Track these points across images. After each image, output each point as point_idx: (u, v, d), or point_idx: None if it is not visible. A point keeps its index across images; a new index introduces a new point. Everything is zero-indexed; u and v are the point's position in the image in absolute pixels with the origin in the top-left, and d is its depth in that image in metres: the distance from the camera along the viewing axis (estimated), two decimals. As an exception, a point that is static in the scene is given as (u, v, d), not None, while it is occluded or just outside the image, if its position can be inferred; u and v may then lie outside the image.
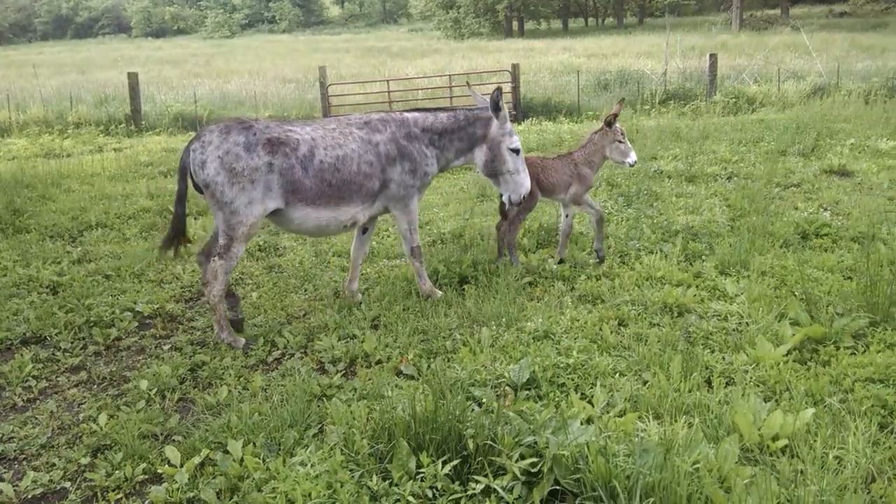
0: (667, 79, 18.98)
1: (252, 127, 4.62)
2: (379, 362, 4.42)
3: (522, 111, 16.92)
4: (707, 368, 4.05)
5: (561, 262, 5.96)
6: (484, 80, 20.72)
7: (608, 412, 3.52)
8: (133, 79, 16.75)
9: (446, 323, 4.85)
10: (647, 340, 4.40)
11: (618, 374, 3.97)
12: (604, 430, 3.26)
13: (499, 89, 5.29)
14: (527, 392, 3.79)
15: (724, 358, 4.19)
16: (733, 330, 4.58)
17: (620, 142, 5.85)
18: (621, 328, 4.71)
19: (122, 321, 5.21)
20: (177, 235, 4.94)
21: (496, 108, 5.28)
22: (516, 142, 5.38)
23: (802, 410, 3.31)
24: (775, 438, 3.21)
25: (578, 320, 4.74)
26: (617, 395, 3.66)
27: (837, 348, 4.21)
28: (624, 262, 6.06)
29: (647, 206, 7.94)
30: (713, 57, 18.18)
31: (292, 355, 4.63)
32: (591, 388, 3.80)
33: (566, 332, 4.54)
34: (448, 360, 4.33)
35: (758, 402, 3.47)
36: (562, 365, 4.00)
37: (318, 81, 17.38)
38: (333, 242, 7.01)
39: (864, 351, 4.15)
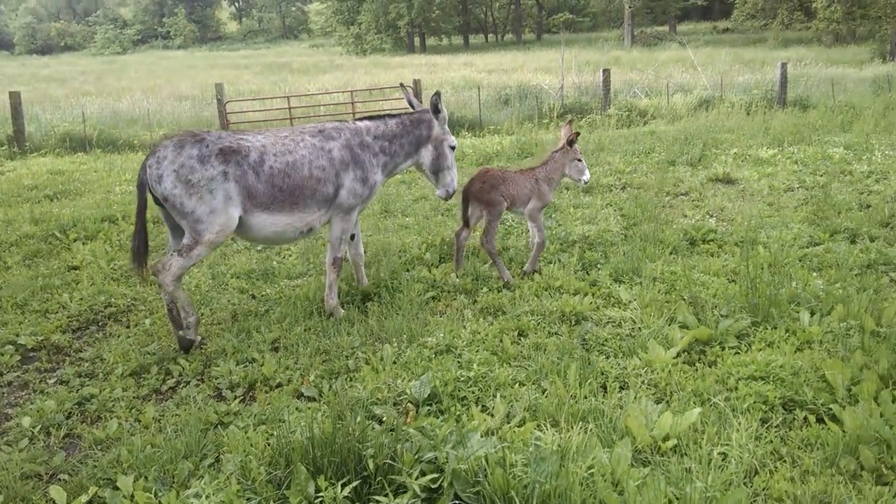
0: (564, 93, 19.56)
1: (205, 139, 4.74)
2: (279, 385, 4.33)
3: (425, 126, 17.07)
4: (602, 374, 4.18)
5: (535, 272, 6.04)
6: (387, 95, 20.78)
7: (508, 423, 3.57)
8: (15, 98, 15.84)
9: (349, 342, 4.81)
10: (545, 349, 4.50)
11: (517, 385, 4.04)
12: (503, 440, 3.30)
13: (437, 94, 5.68)
14: (428, 407, 3.80)
15: (618, 363, 4.33)
16: (627, 335, 4.74)
17: (579, 160, 6.13)
18: (521, 338, 4.79)
19: (2, 355, 4.90)
20: (140, 248, 4.91)
21: (436, 110, 5.66)
22: (453, 140, 5.85)
23: (689, 410, 3.46)
24: (666, 439, 3.34)
25: (480, 333, 4.79)
26: (516, 406, 3.72)
27: (723, 349, 4.42)
28: (525, 273, 6.18)
29: (547, 217, 8.13)
30: (606, 72, 18.88)
31: (188, 383, 4.47)
32: (492, 399, 3.85)
33: (468, 346, 4.58)
34: (350, 380, 4.29)
35: (649, 404, 3.61)
36: (463, 378, 4.03)
37: (216, 98, 16.96)
38: (232, 264, 6.84)
39: (747, 350, 4.38)
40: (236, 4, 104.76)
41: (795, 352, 4.28)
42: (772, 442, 3.37)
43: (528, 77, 26.22)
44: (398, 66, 39.28)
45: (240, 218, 4.83)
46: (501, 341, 4.62)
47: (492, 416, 3.63)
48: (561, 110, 17.96)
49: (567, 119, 6.57)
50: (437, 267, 6.35)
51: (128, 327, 5.50)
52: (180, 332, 4.88)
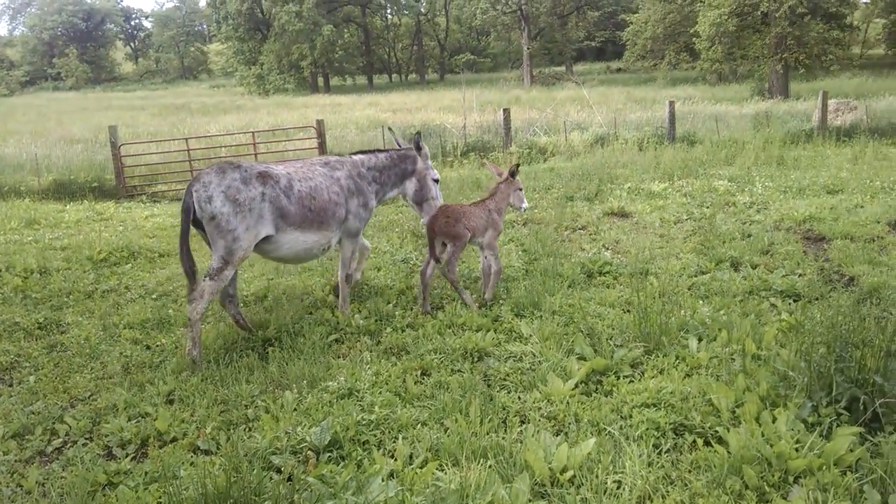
0: (466, 132, 19.96)
1: (242, 165, 5.37)
2: (174, 440, 4.17)
3: (329, 166, 17.03)
4: (504, 409, 4.23)
5: (483, 305, 6.22)
6: (290, 135, 20.62)
7: (410, 464, 3.56)
8: None
9: (248, 390, 4.69)
10: (448, 387, 4.52)
11: (420, 425, 4.04)
12: (404, 483, 3.29)
13: (419, 133, 6.57)
14: (329, 454, 3.74)
15: (519, 397, 4.40)
16: (527, 369, 4.83)
17: (520, 189, 6.63)
18: (425, 377, 4.80)
19: None
20: (191, 270, 5.32)
21: (418, 147, 6.47)
22: (436, 173, 6.56)
23: (585, 441, 3.56)
24: (563, 470, 3.41)
25: (382, 374, 4.77)
26: (419, 446, 3.72)
27: (618, 378, 4.57)
28: (428, 312, 6.21)
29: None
30: (507, 111, 19.40)
31: (75, 442, 4.24)
32: (394, 441, 3.83)
33: (370, 388, 4.54)
34: (249, 430, 4.18)
35: (548, 437, 3.68)
36: (365, 422, 4.00)
37: (110, 141, 16.37)
38: (125, 314, 6.56)
39: (640, 378, 4.55)
40: (132, 44, 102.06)
41: (684, 378, 4.48)
42: (663, 467, 3.50)
43: (432, 116, 26.64)
44: (302, 106, 39.12)
45: (272, 237, 5.42)
46: (404, 381, 4.62)
47: (394, 458, 3.61)
48: (464, 149, 18.30)
49: (485, 160, 6.98)
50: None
51: (10, 385, 5.17)
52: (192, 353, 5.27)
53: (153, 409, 4.52)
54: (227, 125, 25.52)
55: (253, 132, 17.63)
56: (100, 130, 23.79)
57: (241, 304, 6.61)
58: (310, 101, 44.75)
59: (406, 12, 76.00)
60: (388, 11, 77.32)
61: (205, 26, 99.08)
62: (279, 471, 3.55)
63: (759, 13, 36.13)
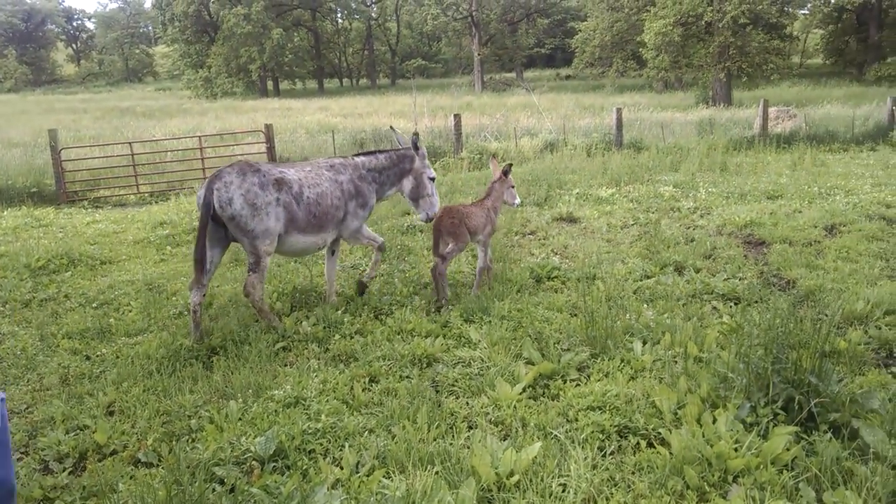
0: (417, 137, 19.98)
1: (260, 169, 5.71)
2: (114, 453, 4.05)
3: (279, 171, 16.84)
4: (452, 415, 4.24)
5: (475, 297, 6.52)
6: (238, 140, 20.35)
7: (357, 473, 3.53)
8: None
9: (192, 400, 4.59)
10: (396, 394, 4.51)
11: (368, 432, 4.01)
12: (350, 492, 3.26)
13: (416, 134, 6.85)
14: (274, 464, 3.69)
15: (467, 403, 4.41)
16: (476, 374, 4.85)
17: (512, 187, 7.05)
18: (373, 385, 4.77)
19: None
20: (202, 259, 5.59)
21: (415, 147, 6.76)
22: (432, 172, 6.86)
23: (531, 445, 3.58)
24: (510, 475, 3.42)
25: (330, 382, 4.73)
26: (366, 454, 3.69)
27: (564, 381, 4.62)
28: (377, 318, 6.19)
29: (401, 260, 8.21)
30: (457, 117, 19.48)
31: (9, 457, 4.08)
32: (341, 450, 3.80)
33: (317, 396, 4.50)
34: (192, 441, 4.09)
35: (494, 442, 3.69)
36: (311, 430, 3.95)
37: (50, 145, 15.89)
38: (64, 323, 6.37)
39: (586, 381, 4.61)
40: (74, 46, 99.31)
41: (629, 380, 4.55)
42: (608, 469, 3.55)
43: (383, 121, 26.57)
44: (251, 110, 38.62)
45: (279, 236, 5.79)
46: (352, 389, 4.58)
47: (340, 467, 3.58)
48: (415, 154, 18.32)
49: (492, 155, 7.54)
50: (287, 316, 6.22)
51: (-61, 400, 4.96)
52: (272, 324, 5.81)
53: (92, 421, 4.39)
54: (174, 129, 25.04)
55: (200, 136, 17.36)
56: (40, 134, 23.09)
57: (186, 313, 6.49)
58: (259, 104, 44.19)
59: (357, 17, 75.72)
60: (339, 16, 76.93)
61: (150, 28, 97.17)
62: (222, 482, 3.49)
63: (702, 23, 37.09)
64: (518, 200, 7.14)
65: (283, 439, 3.82)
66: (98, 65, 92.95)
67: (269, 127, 16.98)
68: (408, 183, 6.80)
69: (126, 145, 16.87)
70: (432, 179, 6.87)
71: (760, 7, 35.26)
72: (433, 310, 6.30)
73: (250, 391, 4.61)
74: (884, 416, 3.81)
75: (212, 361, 5.29)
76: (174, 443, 4.07)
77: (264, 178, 5.64)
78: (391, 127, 7.49)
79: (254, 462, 3.70)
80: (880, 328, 5.44)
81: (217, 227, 5.68)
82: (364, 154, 6.69)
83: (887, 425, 3.74)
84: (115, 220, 12.01)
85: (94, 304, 6.98)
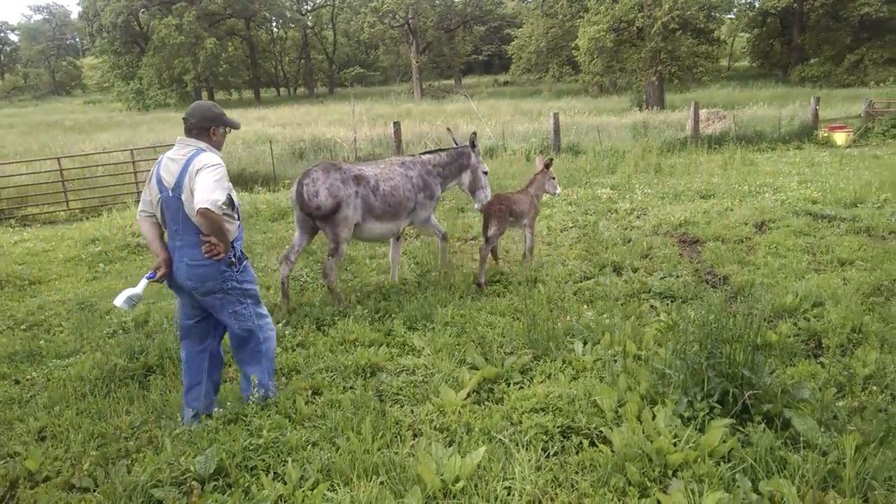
0: (357, 146, 19.88)
1: (342, 167, 6.56)
2: (47, 479, 3.89)
3: (216, 183, 16.47)
4: (397, 423, 4.21)
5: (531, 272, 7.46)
6: (173, 153, 19.87)
7: (301, 487, 3.48)
8: None
9: (128, 421, 4.45)
10: (340, 405, 4.46)
11: (311, 446, 3.95)
12: (294, 507, 3.21)
13: (475, 133, 7.65)
14: (215, 483, 3.60)
15: (411, 411, 4.40)
16: (420, 382, 4.84)
17: (553, 178, 8.01)
18: (316, 397, 4.71)
19: None
20: (299, 246, 6.70)
21: (473, 145, 7.56)
22: (485, 167, 7.68)
23: (476, 450, 3.59)
24: (456, 481, 3.42)
25: (271, 396, 4.64)
26: (309, 468, 3.64)
27: (508, 385, 4.65)
28: (319, 329, 6.12)
29: (342, 270, 8.14)
30: (397, 124, 19.45)
31: (-68, 491, 3.89)
32: (284, 465, 3.73)
33: (259, 411, 4.40)
34: (130, 463, 3.96)
35: (439, 448, 3.69)
36: (252, 447, 3.87)
37: (-28, 162, 15.30)
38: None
39: (530, 384, 4.64)
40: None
41: (571, 381, 4.60)
42: (552, 470, 3.58)
43: (323, 130, 26.39)
44: (186, 121, 37.76)
45: (358, 224, 6.62)
46: (294, 402, 4.51)
47: (284, 482, 3.52)
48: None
49: (538, 153, 7.85)
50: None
51: None
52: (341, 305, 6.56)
53: (23, 447, 4.22)
54: (104, 143, 24.31)
55: (132, 150, 16.91)
56: (-40, 151, 22.13)
57: (120, 332, 6.31)
58: (194, 116, 43.22)
59: (292, 25, 74.99)
60: (274, 25, 76.07)
61: (78, 39, 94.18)
62: (161, 505, 3.39)
63: (634, 28, 38.01)
64: (559, 190, 8.17)
65: (223, 457, 3.73)
66: (23, 78, 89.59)
67: (204, 138, 16.65)
68: (466, 177, 7.62)
69: (54, 160, 16.31)
70: (486, 173, 7.69)
71: (689, 13, 36.33)
72: (474, 287, 7.02)
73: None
74: (814, 405, 3.95)
75: (148, 381, 5.14)
76: (110, 466, 3.93)
77: (345, 175, 6.48)
78: (448, 129, 8.48)
79: (194, 482, 3.60)
80: (808, 320, 5.65)
81: (306, 217, 6.49)
82: (430, 152, 7.52)
83: (817, 414, 3.88)
84: (45, 238, 11.59)
85: (23, 326, 6.73)
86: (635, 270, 7.46)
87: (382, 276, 7.65)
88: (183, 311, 4.42)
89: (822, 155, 17.31)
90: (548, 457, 3.72)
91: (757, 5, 53.69)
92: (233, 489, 3.51)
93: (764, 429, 3.68)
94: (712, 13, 40.81)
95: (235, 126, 4.44)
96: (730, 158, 16.17)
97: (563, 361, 4.94)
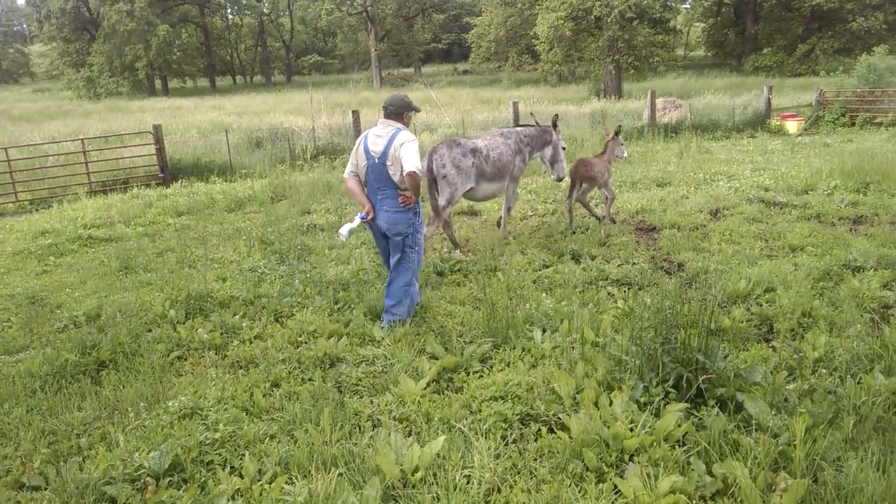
0: (315, 135, 19.65)
1: (461, 143, 7.91)
2: (-6, 479, 3.79)
3: (171, 173, 16.16)
4: (356, 415, 4.19)
5: (612, 220, 9.27)
6: (125, 142, 19.40)
7: (259, 480, 3.44)
8: None
9: (80, 418, 4.35)
10: (299, 398, 4.42)
11: (269, 439, 3.91)
12: (252, 500, 3.17)
13: (556, 115, 9.22)
14: (170, 478, 3.54)
15: (371, 401, 4.38)
16: (380, 372, 4.82)
17: (621, 144, 9.38)
18: (274, 390, 4.66)
19: None
20: (435, 203, 7.83)
21: (555, 126, 8.89)
22: (563, 143, 8.94)
23: (435, 440, 3.59)
24: (415, 471, 3.42)
25: (228, 389, 4.58)
26: (267, 461, 3.60)
27: (468, 374, 4.66)
28: (277, 321, 6.05)
29: (301, 261, 8.06)
30: (356, 113, 19.27)
31: None
32: (241, 459, 3.69)
33: (215, 405, 4.35)
34: (83, 461, 3.87)
35: (399, 439, 3.68)
36: (209, 441, 3.82)
37: (-88, 153, 14.70)
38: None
39: (489, 372, 4.66)
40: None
41: (530, 369, 4.64)
42: (511, 457, 3.60)
43: (280, 119, 26.00)
44: (138, 110, 36.89)
45: (473, 188, 7.99)
46: (252, 396, 4.46)
47: (241, 476, 3.48)
48: (314, 152, 18.02)
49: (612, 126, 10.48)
50: (182, 324, 5.99)
51: None
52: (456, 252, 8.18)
53: (-32, 448, 4.09)
54: (53, 132, 23.58)
55: (83, 139, 16.44)
56: None
57: (72, 327, 6.15)
58: (146, 104, 42.27)
59: (248, 12, 73.64)
60: (229, 11, 74.61)
61: (25, 26, 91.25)
62: (114, 502, 3.32)
63: (592, 17, 38.19)
64: (625, 153, 9.71)
65: (178, 452, 3.67)
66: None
67: (157, 128, 16.28)
68: (548, 150, 8.85)
69: (1, 151, 15.79)
70: (564, 149, 8.96)
71: (645, 2, 36.66)
72: (566, 233, 8.77)
73: (142, 405, 4.41)
74: (765, 388, 4.05)
75: (100, 376, 5.03)
76: (62, 464, 3.84)
77: (464, 149, 7.83)
78: (531, 113, 9.74)
79: (148, 478, 3.54)
80: (761, 305, 5.77)
81: (434, 184, 7.79)
82: (523, 126, 8.83)
83: (769, 397, 3.98)
84: (-8, 231, 11.23)
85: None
86: (593, 258, 7.53)
87: (341, 267, 7.59)
88: (381, 248, 6.11)
89: (774, 143, 17.68)
90: (507, 444, 3.74)
91: (712, -5, 54.49)
92: (188, 484, 3.46)
93: (717, 412, 3.76)
94: (668, 3, 41.27)
95: (418, 110, 6.11)
96: (686, 147, 16.41)
97: (523, 349, 4.97)
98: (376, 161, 5.58)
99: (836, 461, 3.38)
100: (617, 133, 9.31)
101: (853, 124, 20.94)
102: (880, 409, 3.75)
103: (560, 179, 9.19)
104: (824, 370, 4.41)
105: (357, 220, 5.78)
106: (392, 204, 5.61)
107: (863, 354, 4.54)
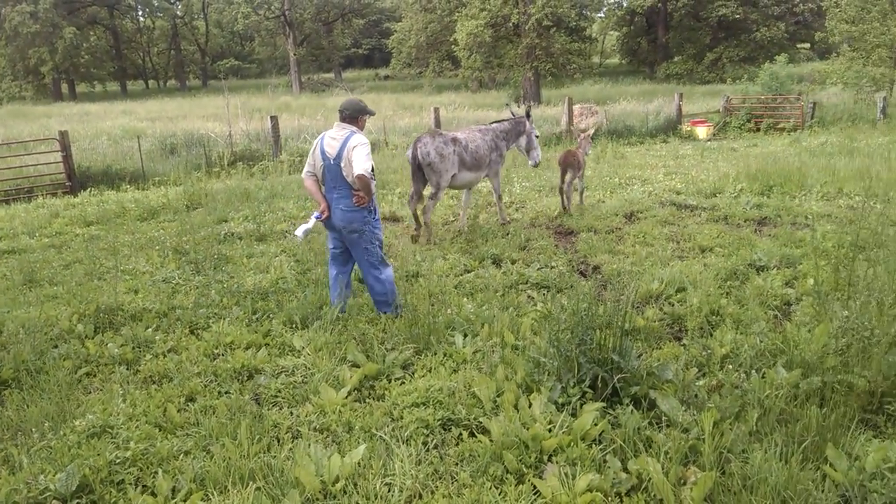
0: (232, 141, 19.23)
1: (442, 134, 8.84)
2: None
3: (79, 181, 15.47)
4: (275, 427, 4.12)
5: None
6: (29, 149, 18.48)
7: (173, 498, 3.33)
8: None
9: (-22, 441, 4.11)
10: (215, 412, 4.30)
11: (184, 455, 3.79)
12: (165, 521, 3.07)
13: (530, 106, 10.38)
14: (78, 500, 3.38)
15: (291, 412, 4.31)
16: (300, 382, 4.75)
17: (591, 139, 11.68)
18: (189, 404, 4.52)
19: None
20: (419, 191, 8.89)
21: (528, 116, 9.87)
22: (537, 132, 10.11)
23: (355, 449, 3.56)
24: (335, 481, 3.38)
25: (140, 406, 4.42)
26: (182, 478, 3.49)
27: (389, 381, 4.65)
28: (193, 333, 5.88)
29: (218, 270, 7.86)
30: (274, 119, 18.98)
31: None
32: (154, 477, 3.56)
33: (125, 423, 4.18)
34: (-20, 486, 3.65)
35: (319, 449, 3.63)
36: (119, 460, 3.67)
37: None
38: None
39: (411, 379, 4.66)
40: None
41: (451, 374, 4.66)
42: (432, 463, 3.61)
43: (196, 125, 25.26)
44: (43, 115, 35.17)
45: (455, 174, 8.85)
46: (166, 411, 4.31)
47: (154, 495, 3.35)
48: (231, 158, 17.62)
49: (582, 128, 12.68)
50: (91, 339, 5.74)
51: None
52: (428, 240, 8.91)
53: None
54: (-50, 139, 22.26)
55: (-19, 146, 15.58)
56: None
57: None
58: (52, 110, 40.35)
59: (160, 15, 71.37)
60: (140, 13, 72.15)
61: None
62: (16, 530, 3.15)
63: (510, 25, 38.81)
64: (591, 151, 12.19)
65: (86, 473, 3.51)
66: None
67: (63, 134, 15.58)
68: (523, 140, 9.85)
69: None
70: (537, 136, 10.05)
71: (561, 10, 37.50)
72: (565, 214, 10.09)
73: (48, 424, 4.19)
74: (677, 385, 4.19)
75: (2, 396, 4.76)
76: (-43, 492, 3.61)
77: (445, 138, 8.72)
78: (507, 104, 10.92)
79: (54, 501, 3.37)
80: (672, 304, 5.98)
81: (418, 171, 8.69)
82: (497, 122, 9.79)
83: (679, 393, 4.12)
84: None
85: None
86: (514, 262, 7.64)
87: (260, 276, 7.44)
88: (333, 243, 6.15)
89: (685, 148, 18.38)
90: (428, 450, 3.74)
91: (625, 5, 56.16)
92: (97, 507, 3.32)
93: (632, 410, 3.87)
94: (583, 11, 42.33)
95: (373, 114, 6.18)
96: (602, 152, 16.86)
97: (444, 355, 4.99)
98: (331, 162, 5.81)
99: (742, 453, 3.53)
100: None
101: (758, 130, 22.00)
102: (783, 402, 3.93)
103: (536, 166, 10.28)
104: (731, 366, 4.60)
105: (312, 220, 5.97)
106: (347, 203, 5.81)
107: (766, 350, 4.76)
